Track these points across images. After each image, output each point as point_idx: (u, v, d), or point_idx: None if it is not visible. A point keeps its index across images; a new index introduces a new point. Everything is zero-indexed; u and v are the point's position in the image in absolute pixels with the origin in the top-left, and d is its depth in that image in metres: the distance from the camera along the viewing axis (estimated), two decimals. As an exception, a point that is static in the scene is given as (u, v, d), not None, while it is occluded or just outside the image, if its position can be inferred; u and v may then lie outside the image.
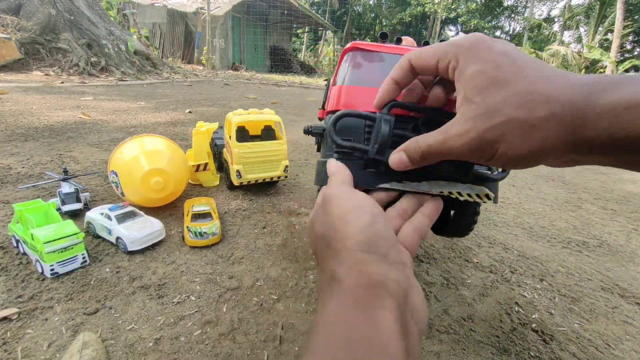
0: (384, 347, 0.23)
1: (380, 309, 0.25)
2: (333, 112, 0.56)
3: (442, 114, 0.44)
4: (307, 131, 0.57)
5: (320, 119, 0.69)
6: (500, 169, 0.49)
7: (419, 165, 0.38)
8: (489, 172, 0.49)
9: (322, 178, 0.51)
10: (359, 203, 0.33)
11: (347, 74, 0.58)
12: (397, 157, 0.39)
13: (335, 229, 0.32)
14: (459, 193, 0.46)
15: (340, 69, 0.61)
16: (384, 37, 0.62)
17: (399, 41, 0.64)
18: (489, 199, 0.48)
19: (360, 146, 0.46)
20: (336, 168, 0.42)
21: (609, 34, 13.19)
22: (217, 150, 1.63)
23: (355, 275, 0.28)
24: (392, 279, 0.28)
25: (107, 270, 0.89)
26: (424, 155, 0.36)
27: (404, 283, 0.28)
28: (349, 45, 0.62)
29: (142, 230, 0.98)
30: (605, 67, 11.45)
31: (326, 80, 0.67)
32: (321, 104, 0.68)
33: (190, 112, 3.28)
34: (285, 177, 1.43)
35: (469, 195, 0.47)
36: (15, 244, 0.95)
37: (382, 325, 0.24)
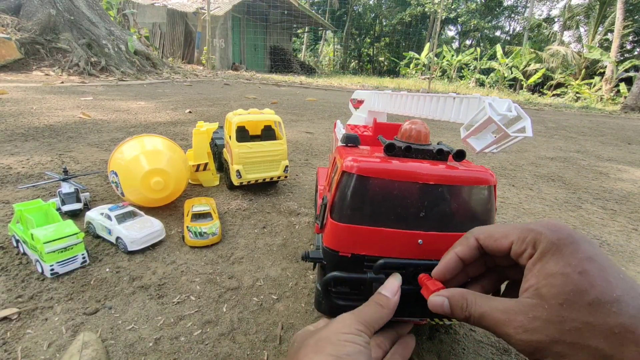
0: None
1: None
2: (330, 249, 0.53)
3: (430, 267, 0.46)
4: (306, 258, 0.55)
5: (318, 233, 0.63)
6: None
7: (457, 319, 0.37)
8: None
9: (320, 308, 0.54)
10: (353, 338, 0.36)
11: (346, 208, 0.51)
12: (438, 302, 0.38)
13: (318, 341, 0.35)
14: (448, 318, 0.51)
15: (338, 194, 0.53)
16: (390, 150, 0.55)
17: (408, 150, 0.55)
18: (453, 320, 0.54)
19: (355, 305, 0.47)
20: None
21: (609, 34, 13.18)
22: (217, 150, 1.63)
23: None
24: None
25: (107, 270, 0.89)
26: (469, 317, 0.35)
27: None
28: (349, 160, 0.52)
29: (142, 230, 0.98)
30: (605, 67, 11.45)
31: (323, 203, 0.59)
32: (317, 216, 0.62)
33: (190, 112, 3.28)
34: (285, 177, 1.43)
35: (448, 319, 0.53)
36: (15, 244, 0.95)
37: None
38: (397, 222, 0.50)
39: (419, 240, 0.50)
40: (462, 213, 0.52)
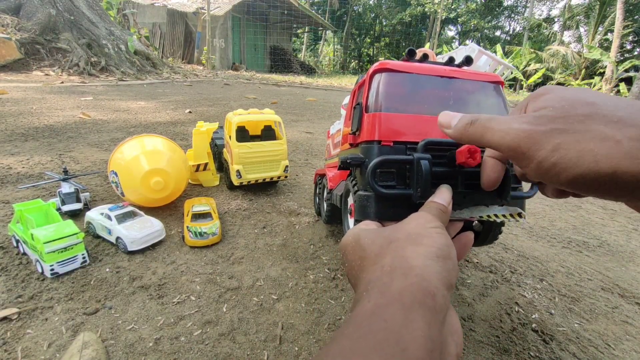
0: (409, 356, 0.23)
1: (421, 318, 0.25)
2: (369, 142, 0.54)
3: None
4: (346, 163, 0.54)
5: (352, 145, 0.65)
6: (531, 187, 0.52)
7: (455, 139, 0.37)
8: (523, 192, 0.52)
9: (366, 212, 0.51)
10: (441, 230, 0.35)
11: (381, 100, 0.55)
12: (447, 117, 0.37)
13: (409, 235, 0.33)
14: (496, 215, 0.51)
15: (371, 92, 0.57)
16: (411, 54, 0.60)
17: (425, 57, 0.61)
18: (521, 217, 0.52)
19: (405, 192, 0.48)
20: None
21: (609, 34, 13.19)
22: (217, 150, 1.63)
23: (411, 279, 0.28)
24: (443, 295, 0.28)
25: (107, 270, 0.89)
26: (466, 132, 0.34)
27: (448, 302, 0.29)
28: (377, 65, 0.58)
29: (142, 230, 0.98)
30: (605, 67, 11.45)
31: (357, 104, 0.61)
32: (351, 126, 0.64)
33: (190, 112, 3.28)
34: (286, 177, 1.43)
35: (504, 216, 0.52)
36: (15, 244, 0.95)
37: (416, 336, 0.24)
38: (431, 110, 0.54)
39: None
40: (483, 103, 0.58)
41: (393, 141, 0.53)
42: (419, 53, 0.64)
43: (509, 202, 0.52)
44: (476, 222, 0.53)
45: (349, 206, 0.73)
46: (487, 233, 0.68)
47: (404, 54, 0.59)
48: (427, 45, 12.94)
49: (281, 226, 1.19)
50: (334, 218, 1.06)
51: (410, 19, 20.19)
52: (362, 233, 0.38)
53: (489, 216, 0.51)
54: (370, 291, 0.29)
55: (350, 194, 0.65)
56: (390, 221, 0.46)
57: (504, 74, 0.75)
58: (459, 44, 22.94)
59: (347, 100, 1.28)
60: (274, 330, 0.73)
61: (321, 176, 1.18)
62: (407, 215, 0.40)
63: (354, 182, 0.60)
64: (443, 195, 0.43)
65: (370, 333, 0.24)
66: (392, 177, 0.50)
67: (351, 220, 0.71)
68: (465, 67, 0.62)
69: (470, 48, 0.84)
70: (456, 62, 0.61)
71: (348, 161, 0.54)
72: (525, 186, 0.52)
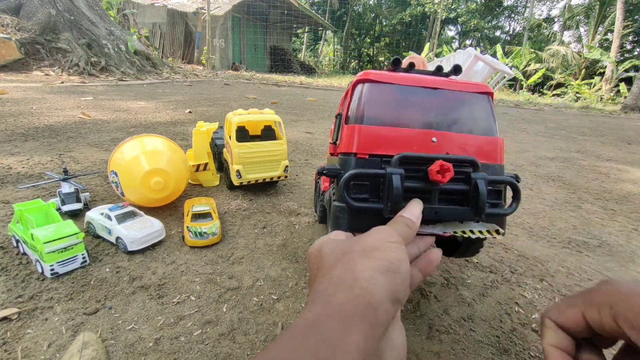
0: None
1: (359, 332, 0.25)
2: (346, 154, 0.53)
3: (447, 161, 0.46)
4: (322, 173, 0.54)
5: (332, 155, 0.64)
6: (510, 204, 0.51)
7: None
8: (500, 209, 0.51)
9: (339, 223, 0.51)
10: (397, 245, 0.34)
11: (361, 111, 0.54)
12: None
13: (364, 247, 0.33)
14: (472, 231, 0.50)
15: (352, 103, 0.56)
16: (396, 64, 0.58)
17: (411, 66, 0.60)
18: (499, 234, 0.52)
19: (375, 206, 0.47)
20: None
21: (609, 34, 13.18)
22: (217, 150, 1.63)
23: (355, 292, 0.27)
24: (385, 309, 0.27)
25: (107, 270, 0.89)
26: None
27: (391, 317, 0.28)
28: (360, 75, 0.57)
29: (142, 230, 0.98)
30: (605, 67, 11.45)
31: (338, 114, 0.60)
32: (331, 136, 0.63)
33: (190, 112, 3.28)
34: (286, 177, 1.43)
35: (480, 232, 0.51)
36: (15, 244, 0.95)
37: (350, 349, 0.24)
38: (411, 123, 0.53)
39: (433, 138, 0.52)
40: (467, 116, 0.56)
41: (369, 154, 0.52)
42: (405, 62, 0.62)
43: (485, 219, 0.51)
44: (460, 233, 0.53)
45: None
46: (467, 246, 0.67)
47: (386, 65, 0.59)
48: (427, 45, 12.93)
49: (281, 226, 1.19)
50: (327, 219, 1.05)
51: (410, 19, 20.18)
52: (325, 243, 0.38)
53: (463, 232, 0.50)
54: (315, 301, 0.29)
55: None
56: (362, 233, 0.48)
57: (504, 77, 0.75)
58: (459, 44, 22.94)
59: None
60: (274, 330, 0.73)
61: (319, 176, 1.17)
62: None
63: (333, 192, 0.59)
64: (412, 210, 0.44)
65: (305, 344, 0.24)
66: (366, 189, 0.50)
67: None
68: (453, 76, 0.60)
69: (467, 53, 0.82)
70: (445, 71, 0.59)
71: (324, 172, 0.54)
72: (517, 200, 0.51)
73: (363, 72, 0.57)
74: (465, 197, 0.50)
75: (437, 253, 0.45)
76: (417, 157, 0.49)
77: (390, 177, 0.46)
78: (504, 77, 0.78)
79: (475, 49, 0.79)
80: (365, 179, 0.50)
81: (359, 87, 0.56)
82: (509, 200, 0.53)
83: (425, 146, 0.52)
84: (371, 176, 0.49)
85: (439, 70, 0.59)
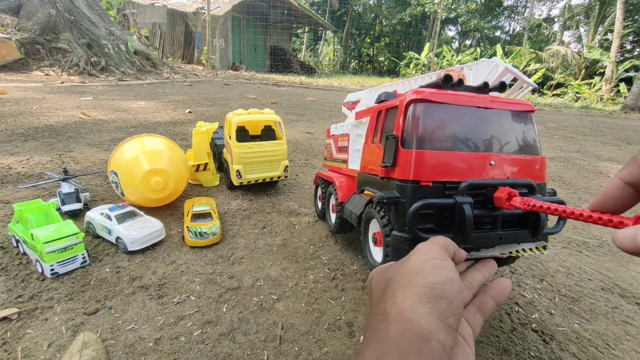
0: None
1: None
2: (407, 181, 0.51)
3: (514, 186, 0.46)
4: (383, 202, 0.52)
5: (383, 179, 0.60)
6: (557, 223, 0.55)
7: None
8: (552, 229, 0.55)
9: (402, 255, 0.50)
10: (441, 264, 0.32)
11: (419, 135, 0.52)
12: (629, 235, 0.26)
13: (403, 274, 0.32)
14: (524, 250, 0.54)
15: (406, 125, 0.54)
16: (447, 80, 0.57)
17: (460, 83, 0.59)
18: (545, 249, 0.55)
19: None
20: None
21: (609, 34, 13.18)
22: (217, 150, 1.63)
23: (402, 325, 0.27)
24: (439, 339, 0.26)
25: (107, 270, 0.89)
26: None
27: (448, 347, 0.27)
28: (412, 93, 0.54)
29: (142, 230, 0.98)
30: (605, 67, 11.44)
31: (392, 136, 0.57)
32: (383, 157, 0.59)
33: (190, 112, 3.28)
34: (286, 177, 1.43)
35: (531, 250, 0.54)
36: (15, 244, 0.95)
37: None
38: (468, 145, 0.53)
39: (492, 162, 0.52)
40: (517, 135, 0.56)
41: (433, 181, 0.50)
42: (454, 77, 0.61)
43: (539, 239, 0.55)
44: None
45: (371, 233, 0.70)
46: (513, 258, 0.69)
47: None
48: (427, 45, 12.94)
49: (281, 226, 1.19)
50: (344, 229, 1.03)
51: (410, 19, 20.17)
52: (374, 276, 0.37)
53: (517, 251, 0.53)
54: (369, 339, 0.28)
55: (376, 221, 0.63)
56: None
57: (521, 87, 0.77)
58: (459, 44, 22.92)
59: (349, 98, 1.28)
60: (274, 330, 0.73)
61: (324, 180, 1.15)
62: None
63: (384, 218, 0.57)
64: None
65: None
66: (431, 218, 0.49)
67: (375, 249, 0.69)
68: (496, 93, 0.60)
69: (492, 63, 0.76)
70: (490, 87, 0.59)
71: (384, 201, 0.52)
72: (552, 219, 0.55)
73: (414, 90, 0.55)
74: (523, 219, 0.51)
75: (507, 282, 0.43)
76: (483, 185, 0.48)
77: (461, 207, 0.45)
78: (521, 87, 0.76)
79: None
80: (431, 208, 0.48)
81: (413, 107, 0.54)
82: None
83: (484, 170, 0.51)
84: (440, 206, 0.48)
85: (485, 87, 0.58)
